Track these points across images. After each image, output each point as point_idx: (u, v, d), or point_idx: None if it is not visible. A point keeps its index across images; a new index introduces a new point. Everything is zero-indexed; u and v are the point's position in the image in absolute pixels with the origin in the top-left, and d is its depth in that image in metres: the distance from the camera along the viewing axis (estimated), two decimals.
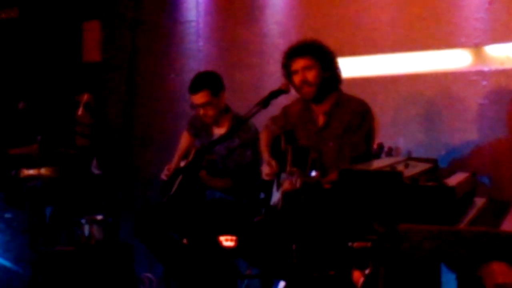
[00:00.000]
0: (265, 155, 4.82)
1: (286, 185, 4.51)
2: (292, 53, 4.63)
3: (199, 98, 5.28)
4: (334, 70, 4.64)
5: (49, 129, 6.34)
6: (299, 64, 4.59)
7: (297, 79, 4.59)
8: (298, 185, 4.24)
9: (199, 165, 5.06)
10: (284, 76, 4.70)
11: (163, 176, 5.40)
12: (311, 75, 4.56)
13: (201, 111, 5.32)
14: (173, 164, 5.50)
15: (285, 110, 4.92)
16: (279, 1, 6.33)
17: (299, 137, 4.74)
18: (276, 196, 4.70)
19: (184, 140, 5.70)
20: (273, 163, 4.62)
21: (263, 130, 5.03)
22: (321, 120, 4.66)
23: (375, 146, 4.64)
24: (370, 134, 4.55)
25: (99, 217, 5.56)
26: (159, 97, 7.24)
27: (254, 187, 5.01)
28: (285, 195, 4.50)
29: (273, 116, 4.98)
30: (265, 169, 4.67)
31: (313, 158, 4.52)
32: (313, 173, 4.19)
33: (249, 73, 6.49)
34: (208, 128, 5.46)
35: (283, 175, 4.62)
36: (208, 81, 5.32)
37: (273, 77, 6.14)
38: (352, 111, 4.55)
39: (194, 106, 5.38)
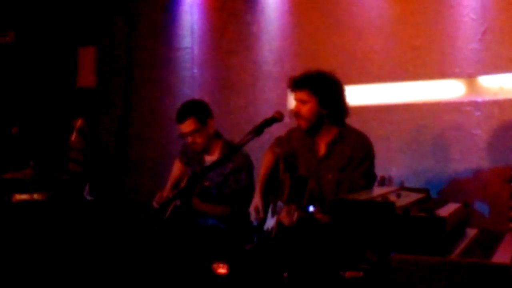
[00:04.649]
0: (257, 192, 4.81)
1: (282, 216, 4.48)
2: (292, 84, 4.61)
3: (186, 126, 5.25)
4: (335, 105, 4.55)
5: (42, 154, 6.33)
6: (296, 96, 4.56)
7: (293, 109, 4.59)
8: (294, 218, 4.23)
9: (191, 192, 5.04)
10: None
11: (155, 204, 5.38)
12: (304, 110, 4.51)
13: (190, 140, 5.29)
14: (165, 192, 5.48)
15: (290, 134, 4.87)
16: (274, 29, 6.37)
17: (299, 165, 4.72)
18: (270, 222, 4.69)
19: (176, 168, 5.68)
20: (260, 208, 4.65)
21: (268, 151, 4.98)
22: (322, 150, 4.61)
23: None
24: (369, 171, 4.50)
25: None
26: (153, 123, 7.26)
27: (246, 214, 4.99)
28: (279, 227, 4.49)
29: (279, 137, 4.94)
30: (253, 214, 4.70)
31: (311, 188, 4.51)
32: (311, 209, 4.18)
33: (243, 100, 6.51)
34: (200, 157, 5.43)
35: (280, 203, 4.61)
36: (194, 109, 5.29)
37: (267, 104, 6.19)
38: (354, 146, 4.48)
39: (182, 135, 5.35)
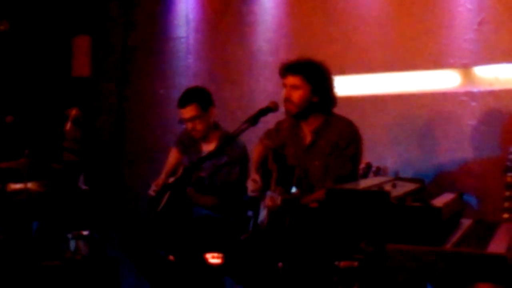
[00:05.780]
0: (252, 170, 4.83)
1: (268, 201, 4.52)
2: (285, 68, 4.62)
3: (188, 112, 5.26)
4: (326, 94, 4.61)
5: (36, 143, 6.31)
6: (288, 81, 4.58)
7: (283, 94, 4.59)
8: (278, 201, 4.26)
9: (187, 182, 5.05)
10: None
11: (151, 192, 5.37)
12: (296, 95, 4.54)
13: (190, 125, 5.30)
14: (160, 181, 5.47)
15: (278, 125, 4.92)
16: (269, 18, 6.35)
17: (288, 154, 4.74)
18: (262, 214, 4.70)
19: (172, 156, 5.67)
20: (258, 179, 4.64)
21: (258, 144, 5.03)
22: (308, 138, 4.66)
23: (363, 165, 4.64)
24: (356, 156, 4.54)
25: (86, 233, 5.53)
26: (149, 113, 7.25)
27: (241, 204, 5.00)
28: (270, 214, 4.51)
29: (268, 130, 4.97)
30: (250, 186, 4.69)
31: (298, 176, 4.53)
32: (294, 190, 4.21)
33: (239, 90, 6.50)
34: (197, 145, 5.44)
35: (268, 193, 4.62)
36: (197, 96, 5.31)
37: (263, 94, 6.17)
38: (339, 132, 4.53)
39: (182, 121, 5.36)
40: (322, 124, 4.61)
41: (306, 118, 4.62)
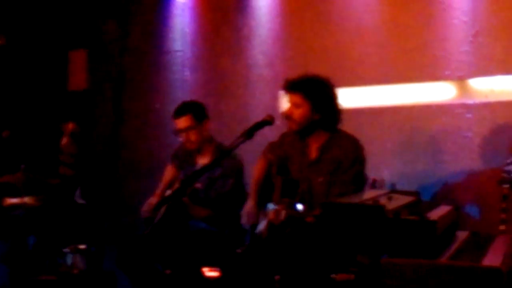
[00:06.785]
0: (251, 197, 4.79)
1: (271, 215, 4.49)
2: (287, 86, 4.60)
3: (182, 122, 5.29)
4: (328, 111, 4.54)
5: (33, 158, 6.32)
6: (290, 98, 4.55)
7: (286, 111, 4.58)
8: (282, 216, 4.23)
9: (182, 193, 5.04)
10: None
11: (143, 212, 5.35)
12: (297, 113, 4.50)
13: (184, 136, 5.32)
14: (153, 200, 5.44)
15: (282, 138, 4.86)
16: (265, 32, 6.37)
17: (292, 168, 4.71)
18: (262, 225, 4.68)
19: (168, 173, 5.66)
20: (252, 214, 4.63)
21: (260, 159, 4.95)
22: (313, 153, 4.61)
23: None
24: (359, 175, 4.48)
25: (82, 247, 5.52)
26: (145, 126, 7.25)
27: (236, 216, 4.99)
28: (270, 227, 4.49)
29: (271, 143, 4.93)
30: (244, 217, 4.67)
31: (302, 191, 4.51)
32: (300, 207, 4.18)
33: (234, 103, 6.51)
34: (192, 158, 5.44)
35: (270, 205, 4.60)
36: (192, 107, 5.35)
37: (258, 107, 6.18)
38: (344, 150, 4.48)
39: (176, 132, 5.37)
40: (327, 141, 4.56)
41: (309, 135, 4.60)
